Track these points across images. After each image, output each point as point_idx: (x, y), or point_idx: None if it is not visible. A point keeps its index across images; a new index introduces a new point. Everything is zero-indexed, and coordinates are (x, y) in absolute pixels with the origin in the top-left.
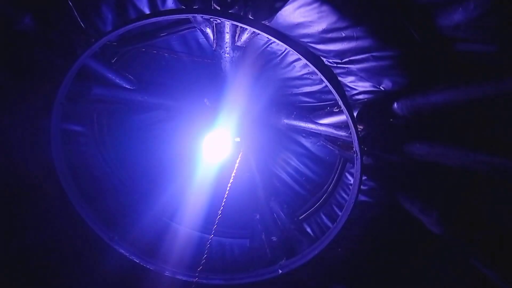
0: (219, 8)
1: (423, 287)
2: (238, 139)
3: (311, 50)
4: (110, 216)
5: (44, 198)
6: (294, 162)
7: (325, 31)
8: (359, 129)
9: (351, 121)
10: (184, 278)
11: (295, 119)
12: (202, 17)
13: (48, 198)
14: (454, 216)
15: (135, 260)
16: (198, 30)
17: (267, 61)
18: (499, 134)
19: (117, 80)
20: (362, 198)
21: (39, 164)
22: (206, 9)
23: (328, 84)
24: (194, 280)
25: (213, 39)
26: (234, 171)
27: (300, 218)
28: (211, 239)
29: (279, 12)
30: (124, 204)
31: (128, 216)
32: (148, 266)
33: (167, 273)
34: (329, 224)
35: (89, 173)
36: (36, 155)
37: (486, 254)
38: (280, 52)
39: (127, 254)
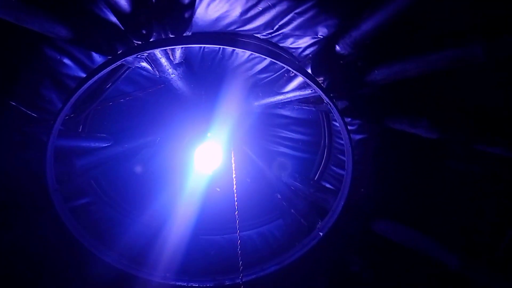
0: (140, 43)
1: (452, 188)
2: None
3: (242, 33)
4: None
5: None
6: (285, 133)
7: (243, 13)
8: (320, 81)
9: (308, 79)
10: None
11: (263, 97)
12: (130, 57)
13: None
14: (443, 115)
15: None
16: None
17: (212, 61)
18: (438, 30)
19: (93, 144)
20: (356, 137)
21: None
22: (129, 50)
23: (260, 55)
24: (240, 282)
25: (152, 68)
26: (233, 167)
27: (315, 179)
28: (239, 242)
29: (194, 18)
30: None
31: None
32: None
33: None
34: (342, 172)
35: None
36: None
37: (486, 135)
38: (217, 48)
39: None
